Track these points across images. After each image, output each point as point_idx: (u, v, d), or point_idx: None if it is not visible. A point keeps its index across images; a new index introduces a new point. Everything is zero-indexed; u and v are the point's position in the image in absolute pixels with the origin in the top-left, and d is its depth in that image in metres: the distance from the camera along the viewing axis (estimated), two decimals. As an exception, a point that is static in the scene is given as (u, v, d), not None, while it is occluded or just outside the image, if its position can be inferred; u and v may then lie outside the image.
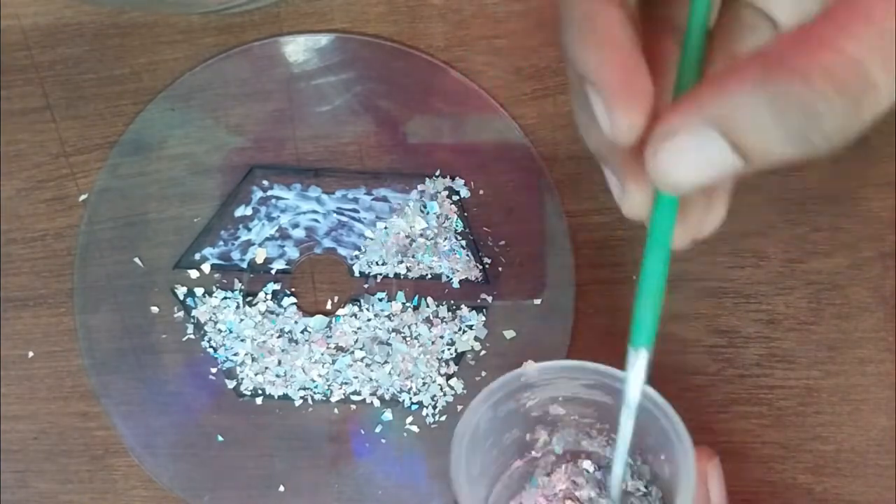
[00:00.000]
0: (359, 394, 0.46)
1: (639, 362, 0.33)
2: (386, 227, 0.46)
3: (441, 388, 0.45)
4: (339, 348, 0.46)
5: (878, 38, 0.24)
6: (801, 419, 0.45)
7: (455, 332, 0.45)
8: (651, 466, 0.39)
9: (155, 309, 0.46)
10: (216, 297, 0.46)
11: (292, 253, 0.46)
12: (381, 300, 0.46)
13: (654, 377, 0.45)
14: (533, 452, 0.41)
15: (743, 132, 0.26)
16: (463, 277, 0.46)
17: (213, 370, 0.46)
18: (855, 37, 0.24)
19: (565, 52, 0.29)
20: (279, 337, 0.46)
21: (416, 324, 0.45)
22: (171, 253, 0.46)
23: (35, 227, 0.47)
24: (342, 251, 0.46)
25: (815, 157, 0.26)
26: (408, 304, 0.46)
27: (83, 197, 0.47)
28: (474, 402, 0.38)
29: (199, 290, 0.46)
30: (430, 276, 0.46)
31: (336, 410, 0.46)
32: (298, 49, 0.46)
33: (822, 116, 0.25)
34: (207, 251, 0.46)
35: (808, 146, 0.25)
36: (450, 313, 0.46)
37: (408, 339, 0.45)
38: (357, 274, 0.46)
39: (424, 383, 0.45)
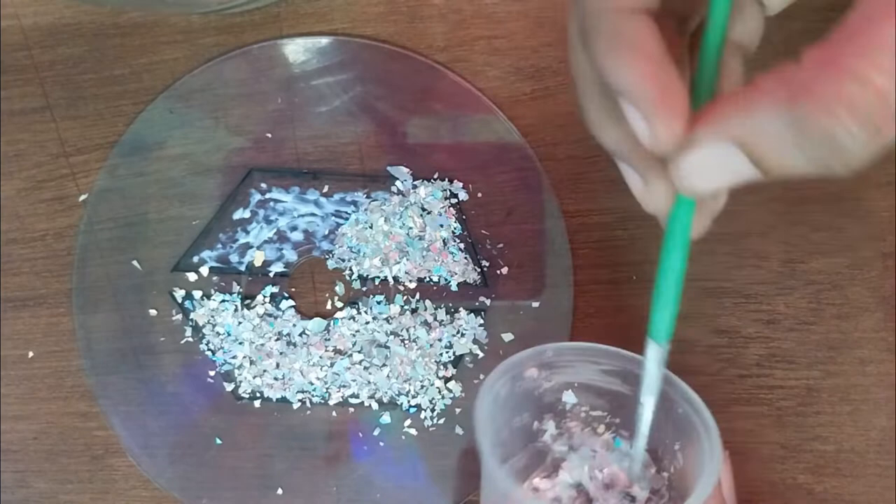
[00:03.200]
0: (357, 396, 0.46)
1: (657, 355, 0.34)
2: (384, 230, 0.46)
3: (439, 391, 0.45)
4: (337, 351, 0.46)
5: None
6: (801, 419, 0.45)
7: (453, 335, 0.45)
8: (662, 462, 0.39)
9: (153, 311, 0.46)
10: (214, 299, 0.46)
11: (290, 256, 0.46)
12: (379, 303, 0.46)
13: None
14: (538, 444, 0.41)
15: (764, 151, 0.26)
16: (461, 280, 0.46)
17: (212, 373, 0.46)
18: (879, 67, 0.24)
19: (597, 64, 0.29)
20: (277, 340, 0.46)
21: (414, 327, 0.45)
22: (170, 254, 0.46)
23: (35, 227, 0.47)
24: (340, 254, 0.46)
25: (834, 175, 0.26)
26: (406, 307, 0.46)
27: (83, 197, 0.47)
28: (497, 371, 0.37)
29: (197, 293, 0.46)
30: (428, 279, 0.46)
31: (334, 413, 0.46)
32: (298, 50, 0.46)
33: (844, 145, 0.25)
34: (206, 254, 0.46)
35: (827, 169, 0.26)
36: (448, 316, 0.45)
37: (406, 341, 0.45)
38: (355, 276, 0.46)
39: (423, 386, 0.45)
